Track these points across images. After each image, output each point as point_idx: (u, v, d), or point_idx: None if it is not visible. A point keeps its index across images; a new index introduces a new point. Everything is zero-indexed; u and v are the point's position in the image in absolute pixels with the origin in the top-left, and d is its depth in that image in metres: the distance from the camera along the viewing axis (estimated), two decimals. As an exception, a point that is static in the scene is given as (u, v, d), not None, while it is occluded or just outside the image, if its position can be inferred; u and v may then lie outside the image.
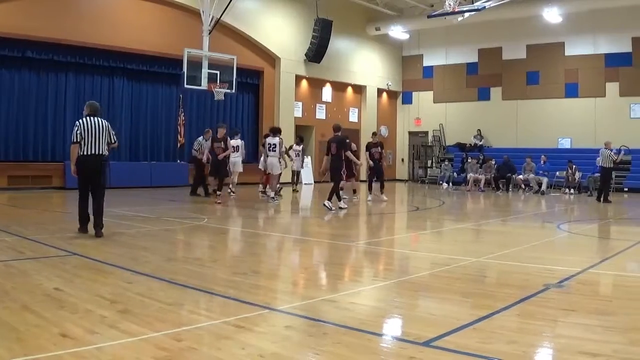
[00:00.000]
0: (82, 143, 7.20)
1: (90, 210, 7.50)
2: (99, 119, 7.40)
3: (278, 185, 14.34)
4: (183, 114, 18.52)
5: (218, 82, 16.09)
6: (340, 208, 11.67)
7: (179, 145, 18.60)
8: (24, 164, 15.54)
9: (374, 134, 15.71)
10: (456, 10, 17.04)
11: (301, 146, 16.76)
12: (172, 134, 18.66)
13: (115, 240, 7.32)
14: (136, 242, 7.30)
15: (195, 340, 3.38)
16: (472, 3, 17.44)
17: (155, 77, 18.31)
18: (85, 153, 7.23)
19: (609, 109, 21.17)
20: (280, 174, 14.11)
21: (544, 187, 18.65)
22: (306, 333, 3.64)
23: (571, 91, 22.14)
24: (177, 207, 12.82)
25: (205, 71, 15.83)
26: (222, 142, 12.76)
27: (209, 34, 16.09)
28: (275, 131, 14.22)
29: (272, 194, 13.88)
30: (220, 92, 16.12)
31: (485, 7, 17.05)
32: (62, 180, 15.61)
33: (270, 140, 13.97)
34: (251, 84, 20.96)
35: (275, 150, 13.80)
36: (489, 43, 23.93)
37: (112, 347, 3.20)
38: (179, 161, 18.62)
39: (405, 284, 5.15)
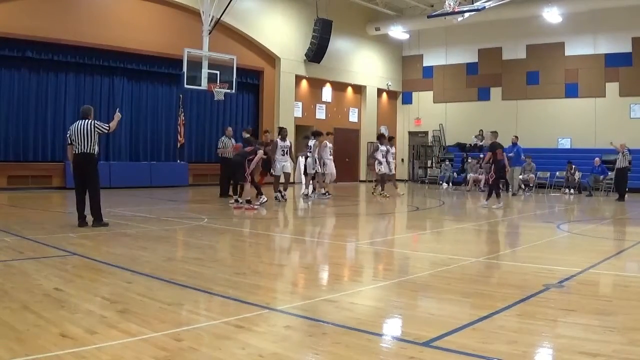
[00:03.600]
0: (74, 144, 8.13)
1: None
2: (86, 122, 8.19)
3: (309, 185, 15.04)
4: (183, 114, 18.56)
5: (218, 82, 16.09)
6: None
7: (179, 145, 18.63)
8: (24, 164, 15.53)
9: (494, 133, 13.54)
10: (456, 10, 17.02)
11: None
12: (172, 134, 18.67)
13: (115, 240, 7.34)
14: (136, 242, 7.29)
15: (195, 340, 3.38)
16: (472, 3, 17.42)
17: (155, 77, 18.30)
18: (75, 152, 8.18)
19: (608, 109, 21.15)
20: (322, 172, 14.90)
21: (516, 187, 18.06)
22: (306, 333, 3.64)
23: (571, 91, 22.12)
24: (176, 207, 12.82)
25: (205, 71, 15.83)
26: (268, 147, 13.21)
27: (209, 34, 16.09)
28: (316, 134, 15.15)
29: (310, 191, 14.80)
30: (220, 92, 16.11)
31: (485, 7, 17.03)
32: (62, 180, 15.62)
33: (310, 142, 14.86)
34: (251, 84, 20.94)
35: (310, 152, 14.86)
36: (489, 43, 23.92)
37: (112, 347, 3.20)
38: (179, 161, 18.63)
39: (405, 284, 5.14)
